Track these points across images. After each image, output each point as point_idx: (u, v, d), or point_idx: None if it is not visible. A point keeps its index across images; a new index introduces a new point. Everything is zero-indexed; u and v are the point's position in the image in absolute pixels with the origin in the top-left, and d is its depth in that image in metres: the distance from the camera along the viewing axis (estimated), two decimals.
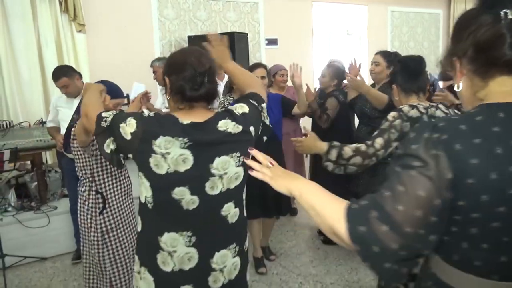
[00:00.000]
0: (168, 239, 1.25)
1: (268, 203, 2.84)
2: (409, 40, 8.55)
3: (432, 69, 9.01)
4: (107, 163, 2.13)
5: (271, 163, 1.02)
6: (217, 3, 6.18)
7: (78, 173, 2.18)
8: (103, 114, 1.29)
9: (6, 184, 3.68)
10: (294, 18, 6.92)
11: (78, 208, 2.18)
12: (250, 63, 6.14)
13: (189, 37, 5.73)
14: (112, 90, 2.14)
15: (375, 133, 1.84)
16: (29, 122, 4.14)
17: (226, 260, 1.30)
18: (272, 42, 6.70)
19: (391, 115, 1.83)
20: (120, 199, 2.22)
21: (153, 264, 1.26)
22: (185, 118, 1.26)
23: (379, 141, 1.78)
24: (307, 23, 7.21)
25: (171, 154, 1.19)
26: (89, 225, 2.13)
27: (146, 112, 1.35)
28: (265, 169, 1.01)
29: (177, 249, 1.25)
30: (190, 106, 1.29)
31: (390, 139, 1.77)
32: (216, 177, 1.26)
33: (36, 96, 4.73)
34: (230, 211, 1.31)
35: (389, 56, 3.19)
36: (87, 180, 2.14)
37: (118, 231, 2.20)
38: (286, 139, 3.14)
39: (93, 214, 2.13)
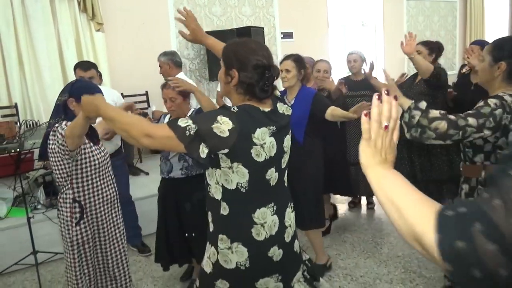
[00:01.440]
0: (259, 214, 1.41)
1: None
2: (425, 30, 8.42)
3: (450, 58, 8.91)
4: (88, 170, 1.99)
5: (386, 126, 0.80)
6: None
7: (56, 180, 2.06)
8: (181, 124, 1.25)
9: (34, 183, 3.75)
10: (309, 11, 6.87)
11: (57, 215, 2.07)
12: None
13: (206, 32, 5.73)
14: (84, 88, 1.94)
15: (469, 112, 1.64)
16: None
17: (290, 216, 1.52)
18: (287, 35, 6.67)
19: (493, 101, 1.63)
20: (101, 208, 2.08)
21: (248, 237, 1.41)
22: (263, 106, 1.39)
23: (472, 121, 1.60)
24: (322, 15, 7.15)
25: (266, 143, 1.35)
26: (66, 234, 2.01)
27: (228, 105, 1.36)
28: (377, 125, 0.80)
29: (267, 220, 1.42)
30: (259, 100, 1.41)
31: (484, 125, 1.60)
32: (285, 153, 1.48)
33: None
34: (285, 178, 1.54)
35: (430, 44, 3.25)
36: (65, 187, 2.01)
37: (95, 242, 2.09)
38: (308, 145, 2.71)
39: (69, 224, 2.00)
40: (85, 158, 2.00)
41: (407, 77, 3.53)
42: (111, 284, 2.21)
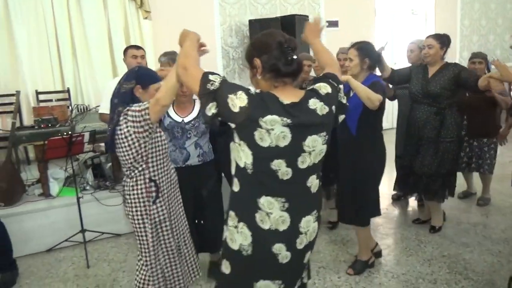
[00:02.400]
0: (265, 201, 1.38)
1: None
2: (481, 18, 7.95)
3: (506, 49, 8.35)
4: (160, 149, 2.00)
5: None
6: None
7: (127, 163, 1.95)
8: (210, 77, 1.33)
9: (83, 165, 3.93)
10: None
11: (125, 198, 2.03)
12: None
13: (250, 21, 5.71)
14: (149, 76, 2.00)
15: None
16: None
17: (309, 225, 1.45)
18: (333, 24, 6.51)
19: None
20: (169, 188, 2.10)
21: (252, 221, 1.39)
22: (284, 98, 1.35)
23: None
24: (369, 3, 6.92)
25: (274, 130, 1.31)
26: (141, 215, 1.99)
27: (252, 89, 1.35)
28: None
29: (273, 212, 1.38)
30: (284, 82, 1.39)
31: None
32: (306, 153, 1.39)
33: (107, 81, 4.96)
34: (313, 183, 1.46)
35: (441, 38, 3.09)
36: (137, 168, 1.95)
37: (171, 222, 2.10)
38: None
39: (146, 203, 1.98)
40: (158, 137, 2.01)
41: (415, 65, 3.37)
42: (183, 262, 2.23)
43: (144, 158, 1.94)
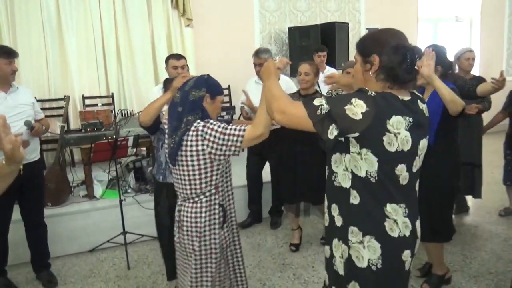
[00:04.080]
0: (391, 208, 1.34)
1: None
2: None
3: None
4: (226, 171, 1.88)
5: None
6: None
7: (189, 183, 1.78)
8: (315, 103, 1.30)
9: (125, 168, 4.05)
10: (397, 5, 6.53)
11: (182, 224, 1.84)
12: (350, 53, 5.97)
13: (289, 28, 5.73)
14: (217, 86, 1.89)
15: None
16: None
17: (419, 229, 1.44)
18: None
19: None
20: (232, 210, 1.98)
21: (381, 231, 1.34)
22: (402, 95, 1.32)
23: None
24: (412, 9, 6.76)
25: (400, 134, 1.28)
26: (208, 243, 1.83)
27: (370, 91, 1.31)
28: None
29: (398, 219, 1.35)
30: (399, 86, 1.34)
31: None
32: (417, 156, 1.37)
33: (150, 87, 5.11)
34: (416, 187, 1.45)
35: None
36: (206, 192, 1.80)
37: (236, 245, 2.01)
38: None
39: (213, 230, 1.83)
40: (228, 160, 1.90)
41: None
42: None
43: (214, 182, 1.79)
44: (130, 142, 3.30)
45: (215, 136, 1.66)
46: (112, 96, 5.04)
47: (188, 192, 1.80)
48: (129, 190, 3.79)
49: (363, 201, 1.35)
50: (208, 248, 1.82)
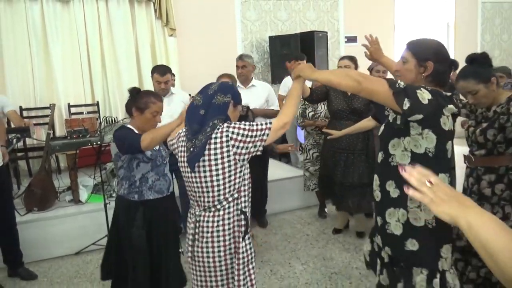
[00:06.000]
0: (441, 177, 1.58)
1: None
2: (503, 33, 7.92)
3: None
4: (248, 176, 1.77)
5: (429, 181, 0.86)
6: (297, 3, 6.30)
7: (213, 193, 1.68)
8: (393, 79, 1.63)
9: (110, 173, 4.16)
10: (375, 14, 6.79)
11: (206, 236, 1.70)
12: (330, 62, 6.20)
13: (270, 37, 5.93)
14: (239, 95, 1.83)
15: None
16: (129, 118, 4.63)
17: None
18: (351, 39, 6.65)
19: None
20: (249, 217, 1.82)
21: None
22: (444, 92, 1.62)
23: None
24: (388, 18, 7.04)
25: (449, 118, 1.60)
26: (230, 254, 1.71)
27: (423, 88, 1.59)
28: (424, 187, 0.86)
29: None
30: (441, 87, 1.66)
31: None
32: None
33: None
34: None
35: (354, 59, 3.39)
36: (229, 197, 1.70)
37: (255, 262, 1.81)
38: None
39: (235, 239, 1.71)
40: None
41: None
42: None
43: (237, 186, 1.71)
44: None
45: (242, 135, 1.64)
46: (97, 104, 5.16)
47: (210, 199, 1.70)
48: (114, 194, 3.90)
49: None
50: (235, 260, 1.70)
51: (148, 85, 4.27)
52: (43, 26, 4.91)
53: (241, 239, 1.70)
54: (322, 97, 3.33)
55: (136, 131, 2.21)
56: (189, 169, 1.70)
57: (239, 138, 1.64)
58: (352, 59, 3.34)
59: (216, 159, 1.64)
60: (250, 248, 1.74)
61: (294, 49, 5.67)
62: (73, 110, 5.05)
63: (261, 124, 1.67)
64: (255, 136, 1.65)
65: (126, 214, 2.26)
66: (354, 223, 3.64)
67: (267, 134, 1.66)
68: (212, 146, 1.64)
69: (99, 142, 3.46)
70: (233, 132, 1.64)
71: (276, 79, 5.78)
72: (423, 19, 7.48)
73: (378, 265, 1.79)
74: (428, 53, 1.62)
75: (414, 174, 0.87)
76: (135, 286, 2.24)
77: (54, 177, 4.05)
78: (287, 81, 4.95)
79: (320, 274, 2.95)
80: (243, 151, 1.65)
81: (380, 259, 1.77)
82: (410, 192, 0.86)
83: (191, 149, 1.68)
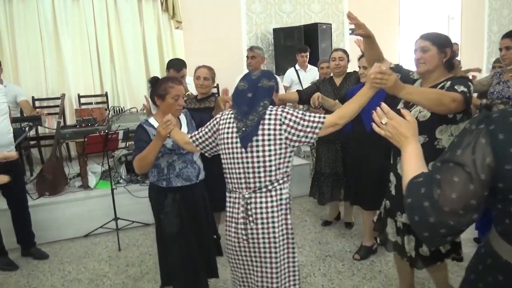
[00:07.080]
0: None
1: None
2: (510, 24, 7.87)
3: None
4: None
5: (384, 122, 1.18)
6: None
7: (265, 174, 1.70)
8: (464, 89, 1.85)
9: (118, 161, 4.34)
10: (380, 6, 6.82)
11: (261, 217, 1.72)
12: None
13: (274, 29, 6.03)
14: (278, 83, 1.92)
15: None
16: (136, 108, 4.78)
17: None
18: None
19: None
20: None
21: None
22: None
23: None
24: (393, 10, 7.06)
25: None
26: (285, 239, 1.77)
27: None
28: (382, 125, 1.19)
29: None
30: (449, 72, 1.99)
31: None
32: None
33: (142, 86, 5.42)
34: None
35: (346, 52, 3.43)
36: (280, 180, 1.73)
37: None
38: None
39: (287, 220, 1.77)
40: None
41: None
42: None
43: (286, 170, 1.74)
44: (121, 136, 3.60)
45: (294, 122, 1.67)
46: (106, 94, 5.34)
47: (262, 179, 1.71)
48: (121, 181, 4.08)
49: None
50: (290, 238, 1.78)
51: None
52: (54, 20, 5.10)
53: (289, 220, 1.77)
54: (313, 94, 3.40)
55: (149, 130, 2.21)
56: (240, 150, 1.72)
57: (291, 124, 1.67)
58: (345, 52, 3.42)
59: (269, 140, 1.67)
60: (292, 228, 1.80)
61: (298, 41, 5.76)
62: (82, 100, 5.24)
63: (315, 117, 1.69)
64: (307, 126, 1.67)
65: (156, 200, 2.31)
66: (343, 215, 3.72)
67: (320, 128, 1.68)
68: (266, 127, 1.68)
69: (106, 131, 3.62)
70: (285, 117, 1.67)
71: (280, 71, 5.88)
72: (428, 10, 7.47)
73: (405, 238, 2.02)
74: (445, 42, 1.93)
75: (377, 114, 1.19)
76: (172, 269, 2.32)
77: (65, 164, 4.25)
78: (291, 73, 5.06)
79: (315, 256, 3.08)
80: (294, 137, 1.68)
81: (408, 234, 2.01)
82: (374, 127, 1.20)
83: (243, 128, 1.70)
